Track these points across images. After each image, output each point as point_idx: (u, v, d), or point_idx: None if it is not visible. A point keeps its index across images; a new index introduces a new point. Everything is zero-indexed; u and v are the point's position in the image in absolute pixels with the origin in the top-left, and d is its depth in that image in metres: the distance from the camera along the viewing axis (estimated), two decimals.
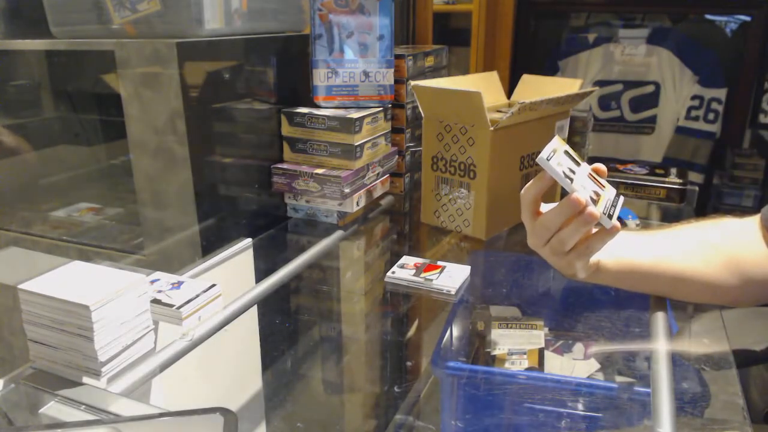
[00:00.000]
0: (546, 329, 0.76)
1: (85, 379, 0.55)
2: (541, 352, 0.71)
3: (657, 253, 0.71)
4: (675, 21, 2.06)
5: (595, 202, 0.61)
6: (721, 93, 2.00)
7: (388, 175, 1.13)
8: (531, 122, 0.95)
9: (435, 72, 1.24)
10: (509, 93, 1.13)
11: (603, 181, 0.66)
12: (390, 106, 1.09)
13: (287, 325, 0.82)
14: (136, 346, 0.58)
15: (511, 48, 2.13)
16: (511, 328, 0.75)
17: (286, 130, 1.02)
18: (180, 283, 0.68)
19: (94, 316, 0.52)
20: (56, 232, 1.06)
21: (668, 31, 2.05)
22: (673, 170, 1.17)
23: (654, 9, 2.08)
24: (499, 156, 0.93)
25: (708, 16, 2.04)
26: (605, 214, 0.61)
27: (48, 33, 0.92)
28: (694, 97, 2.03)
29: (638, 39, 2.07)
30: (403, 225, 1.13)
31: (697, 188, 1.21)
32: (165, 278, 0.69)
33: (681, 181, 1.12)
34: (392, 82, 1.07)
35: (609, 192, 0.66)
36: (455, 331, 0.77)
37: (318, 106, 1.04)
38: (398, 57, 1.09)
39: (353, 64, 1.04)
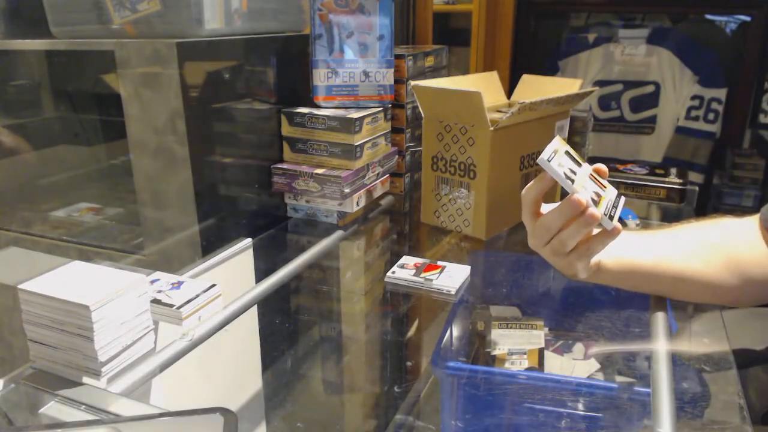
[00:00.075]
0: (546, 329, 0.76)
1: (85, 379, 0.55)
2: (541, 352, 0.71)
3: (657, 253, 0.71)
4: (675, 21, 2.06)
5: (596, 203, 0.61)
6: (721, 93, 2.00)
7: (388, 175, 1.13)
8: (531, 122, 0.95)
9: (435, 72, 1.24)
10: (509, 93, 1.13)
11: (604, 182, 0.66)
12: (390, 106, 1.09)
13: (287, 325, 0.82)
14: (136, 346, 0.58)
15: (511, 48, 2.13)
16: (511, 328, 0.75)
17: (286, 130, 1.02)
18: (180, 283, 0.68)
19: (94, 316, 0.52)
20: (56, 232, 1.06)
21: (668, 31, 2.05)
22: (673, 170, 1.17)
23: (654, 9, 2.08)
24: (499, 156, 0.93)
25: (708, 16, 2.04)
26: (606, 215, 0.61)
27: (48, 33, 0.92)
28: (694, 97, 2.03)
29: (638, 39, 2.07)
30: (403, 225, 1.13)
31: (697, 188, 1.21)
32: (165, 278, 0.69)
33: (681, 181, 1.12)
34: (392, 82, 1.07)
35: (610, 193, 0.65)
36: (455, 331, 0.77)
37: (318, 106, 1.04)
38: (398, 57, 1.09)
39: (353, 64, 1.04)
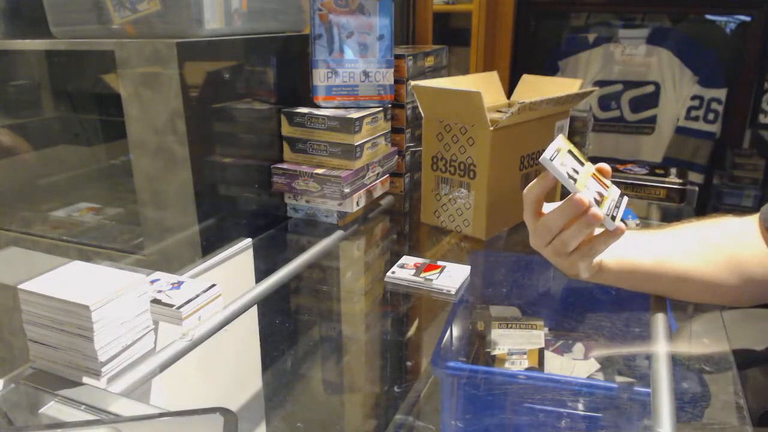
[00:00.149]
0: (546, 329, 0.76)
1: (85, 379, 0.55)
2: (541, 352, 0.71)
3: (658, 253, 0.71)
4: (675, 21, 2.06)
5: (598, 202, 0.61)
6: (721, 93, 2.00)
7: (388, 175, 1.13)
8: (531, 122, 0.95)
9: (435, 72, 1.24)
10: (509, 93, 1.13)
11: (607, 182, 0.65)
12: (390, 106, 1.09)
13: (287, 325, 0.82)
14: (136, 346, 0.58)
15: (511, 48, 2.13)
16: (511, 328, 0.75)
17: (286, 130, 1.02)
18: (180, 283, 0.68)
19: (94, 316, 0.52)
20: (56, 232, 1.06)
21: (668, 31, 2.05)
22: (673, 170, 1.17)
23: (654, 9, 2.08)
24: (499, 156, 0.93)
25: (708, 16, 2.04)
26: (609, 215, 0.61)
27: (48, 33, 0.92)
28: (694, 97, 2.03)
29: (638, 39, 2.07)
30: (403, 225, 1.13)
31: (697, 188, 1.21)
32: (165, 278, 0.69)
33: (681, 181, 1.12)
34: (392, 82, 1.07)
35: (613, 192, 0.65)
36: (455, 331, 0.77)
37: (318, 106, 1.04)
38: (398, 57, 1.09)
39: (353, 64, 1.04)
